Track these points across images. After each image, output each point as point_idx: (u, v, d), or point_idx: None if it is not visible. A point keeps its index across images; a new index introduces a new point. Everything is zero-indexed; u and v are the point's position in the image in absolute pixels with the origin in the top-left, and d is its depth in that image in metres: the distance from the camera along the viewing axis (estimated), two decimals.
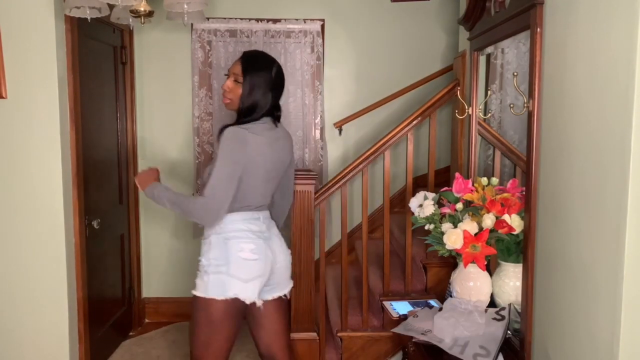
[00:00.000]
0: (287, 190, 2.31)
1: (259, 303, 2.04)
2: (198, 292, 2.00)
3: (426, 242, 2.09)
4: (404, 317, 2.25)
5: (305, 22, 3.60)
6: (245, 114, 2.02)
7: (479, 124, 2.35)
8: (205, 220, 1.99)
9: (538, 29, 1.66)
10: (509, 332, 1.89)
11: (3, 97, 2.46)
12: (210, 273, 1.98)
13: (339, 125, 3.69)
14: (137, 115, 3.60)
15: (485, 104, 2.37)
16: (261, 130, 2.02)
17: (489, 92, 2.40)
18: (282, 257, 2.14)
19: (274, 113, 2.10)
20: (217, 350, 2.02)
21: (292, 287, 2.27)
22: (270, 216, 2.21)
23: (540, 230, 1.70)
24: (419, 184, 3.27)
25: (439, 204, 2.11)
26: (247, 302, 1.99)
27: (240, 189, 1.99)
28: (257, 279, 2.01)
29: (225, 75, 2.10)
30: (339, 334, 2.78)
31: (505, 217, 1.87)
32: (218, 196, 1.93)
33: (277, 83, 2.06)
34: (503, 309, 1.94)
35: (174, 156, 3.71)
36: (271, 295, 2.14)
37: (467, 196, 1.99)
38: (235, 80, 2.03)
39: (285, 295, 2.19)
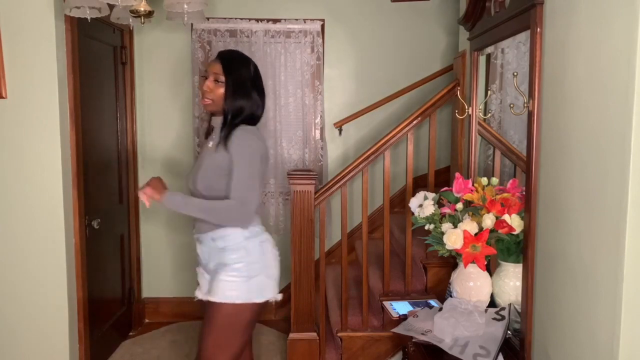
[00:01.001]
0: None
1: (279, 298, 2.08)
2: (238, 300, 1.94)
3: (426, 242, 2.09)
4: (404, 317, 2.25)
5: (305, 22, 3.60)
6: (235, 115, 1.97)
7: (479, 124, 2.35)
8: (240, 222, 1.96)
9: (538, 29, 1.66)
10: (509, 332, 1.89)
11: (3, 97, 2.46)
12: (252, 277, 1.96)
13: (339, 125, 3.69)
14: (137, 115, 3.60)
15: (485, 104, 2.37)
16: (256, 129, 2.04)
17: (489, 92, 2.40)
18: None
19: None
20: (236, 354, 1.99)
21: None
22: None
23: (540, 230, 1.70)
24: (419, 184, 3.27)
25: (439, 204, 2.10)
26: (273, 300, 2.05)
27: None
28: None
29: (203, 76, 2.04)
30: (339, 334, 2.78)
31: (505, 217, 1.86)
32: (251, 197, 1.92)
33: (257, 81, 2.03)
34: (503, 309, 1.94)
35: (174, 156, 3.71)
36: None
37: (467, 196, 1.99)
38: (216, 80, 1.98)
39: None
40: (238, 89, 1.97)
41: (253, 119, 2.03)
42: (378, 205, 3.64)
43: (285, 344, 2.89)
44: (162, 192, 1.98)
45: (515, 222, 1.85)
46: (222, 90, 1.97)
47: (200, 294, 2.07)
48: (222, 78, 1.96)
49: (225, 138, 1.94)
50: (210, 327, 1.97)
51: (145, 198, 1.97)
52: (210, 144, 2.05)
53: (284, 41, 3.60)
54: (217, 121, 2.04)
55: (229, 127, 1.96)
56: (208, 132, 2.17)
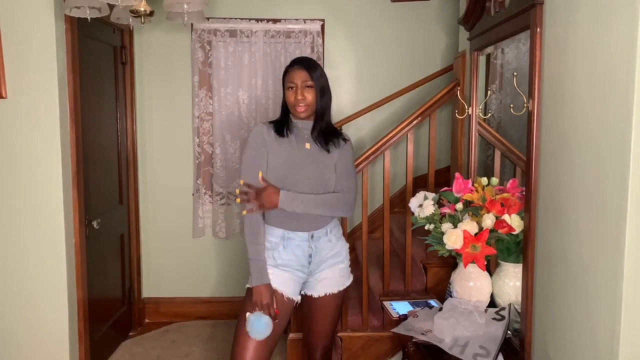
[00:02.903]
0: None
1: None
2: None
3: (426, 242, 2.09)
4: (404, 317, 2.24)
5: (305, 22, 3.60)
6: (327, 114, 2.13)
7: (479, 124, 2.35)
8: (352, 212, 2.18)
9: (538, 29, 1.66)
10: (509, 332, 1.89)
11: (3, 97, 2.46)
12: None
13: (338, 126, 3.67)
14: (137, 115, 3.60)
15: (485, 104, 2.37)
16: None
17: (489, 92, 2.40)
18: None
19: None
20: None
21: None
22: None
23: (540, 230, 1.70)
24: (419, 184, 3.27)
25: (439, 204, 2.10)
26: None
27: None
28: None
29: (290, 87, 2.06)
30: (339, 334, 2.77)
31: (505, 217, 1.86)
32: (357, 191, 2.23)
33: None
34: (503, 309, 1.94)
35: (174, 156, 3.71)
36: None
37: (467, 196, 1.99)
38: (307, 87, 2.05)
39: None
40: (325, 90, 2.11)
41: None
42: (378, 205, 3.64)
43: (286, 344, 2.89)
44: (277, 195, 1.98)
45: (515, 222, 1.85)
46: (312, 95, 2.07)
47: (294, 295, 2.09)
48: (311, 83, 2.06)
49: (328, 137, 2.11)
50: (338, 313, 2.24)
51: (257, 206, 1.97)
52: (308, 145, 2.10)
53: (284, 41, 3.60)
54: (306, 124, 2.13)
55: (327, 126, 2.13)
56: (281, 131, 2.10)
